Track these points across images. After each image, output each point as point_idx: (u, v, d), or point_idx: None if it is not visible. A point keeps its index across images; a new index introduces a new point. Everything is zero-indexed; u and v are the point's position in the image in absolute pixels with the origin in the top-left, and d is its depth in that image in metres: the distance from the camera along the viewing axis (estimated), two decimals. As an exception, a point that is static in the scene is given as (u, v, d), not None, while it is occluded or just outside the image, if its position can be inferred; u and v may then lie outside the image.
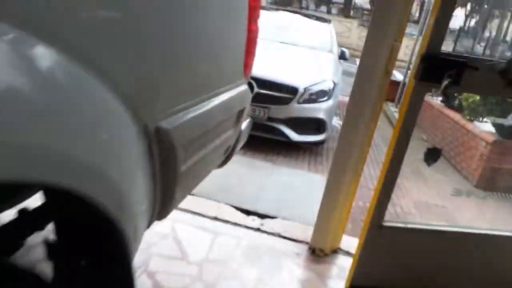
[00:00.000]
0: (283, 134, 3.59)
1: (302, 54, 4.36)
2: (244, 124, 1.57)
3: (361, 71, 1.62)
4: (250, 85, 3.32)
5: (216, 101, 1.16)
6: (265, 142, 3.68)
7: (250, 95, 1.49)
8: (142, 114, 0.82)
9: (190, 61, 0.98)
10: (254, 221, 2.12)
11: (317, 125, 3.73)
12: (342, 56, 4.89)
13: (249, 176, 2.95)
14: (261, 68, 3.66)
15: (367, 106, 1.63)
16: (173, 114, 0.93)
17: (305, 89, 3.58)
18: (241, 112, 1.42)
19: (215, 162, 1.39)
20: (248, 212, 2.22)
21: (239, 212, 2.20)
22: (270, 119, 3.54)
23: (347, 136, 1.70)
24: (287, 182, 2.98)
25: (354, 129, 1.69)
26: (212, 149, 1.26)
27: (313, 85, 3.64)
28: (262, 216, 2.20)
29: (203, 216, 2.11)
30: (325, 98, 3.72)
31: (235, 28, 1.23)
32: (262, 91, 3.46)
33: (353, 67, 11.12)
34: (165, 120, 0.90)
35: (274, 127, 3.57)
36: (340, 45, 5.22)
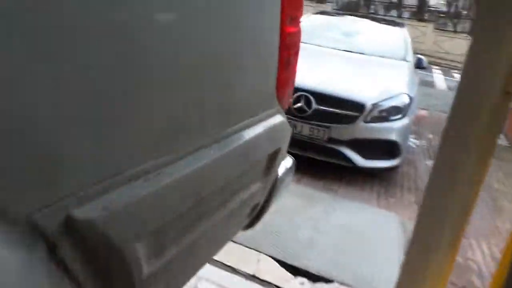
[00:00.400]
0: (346, 158, 3.02)
1: (371, 64, 3.75)
2: (283, 168, 1.09)
3: (463, 92, 1.05)
4: (307, 100, 2.74)
5: (222, 148, 0.70)
6: (325, 166, 3.14)
7: (289, 129, 1.01)
8: (22, 206, 0.40)
9: (153, 86, 0.53)
10: (303, 286, 1.61)
11: (388, 148, 3.10)
12: (418, 65, 4.17)
13: (303, 213, 2.43)
14: (321, 81, 3.16)
15: (475, 144, 1.05)
16: (109, 190, 0.49)
17: (374, 105, 2.97)
18: (274, 155, 0.95)
19: (232, 230, 0.93)
20: (296, 270, 1.72)
21: (284, 270, 1.71)
22: (331, 140, 3.00)
23: (444, 186, 1.14)
24: (350, 223, 2.40)
25: (455, 175, 1.12)
26: (223, 218, 0.81)
27: (383, 100, 3.02)
28: (314, 278, 1.67)
29: (238, 272, 1.65)
30: (399, 115, 3.07)
31: (255, 30, 0.77)
32: (322, 107, 2.95)
33: (429, 76, 10.02)
34: (89, 203, 0.46)
35: (336, 149, 3.02)
36: (413, 51, 4.50)
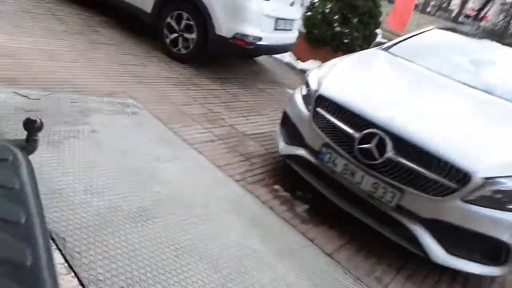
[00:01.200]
0: (417, 243, 1.98)
1: (500, 112, 2.53)
2: None
3: None
4: (381, 143, 1.82)
5: None
6: (383, 240, 2.14)
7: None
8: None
9: None
10: None
11: (492, 249, 1.96)
12: None
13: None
14: (410, 119, 2.06)
15: None
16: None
17: (488, 180, 1.85)
18: None
19: None
20: None
21: None
22: (400, 209, 1.99)
23: None
24: None
25: None
26: None
27: (507, 177, 1.88)
28: None
29: None
30: (526, 205, 1.90)
31: None
32: (400, 158, 1.95)
33: None
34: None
35: (405, 226, 2.00)
36: None
